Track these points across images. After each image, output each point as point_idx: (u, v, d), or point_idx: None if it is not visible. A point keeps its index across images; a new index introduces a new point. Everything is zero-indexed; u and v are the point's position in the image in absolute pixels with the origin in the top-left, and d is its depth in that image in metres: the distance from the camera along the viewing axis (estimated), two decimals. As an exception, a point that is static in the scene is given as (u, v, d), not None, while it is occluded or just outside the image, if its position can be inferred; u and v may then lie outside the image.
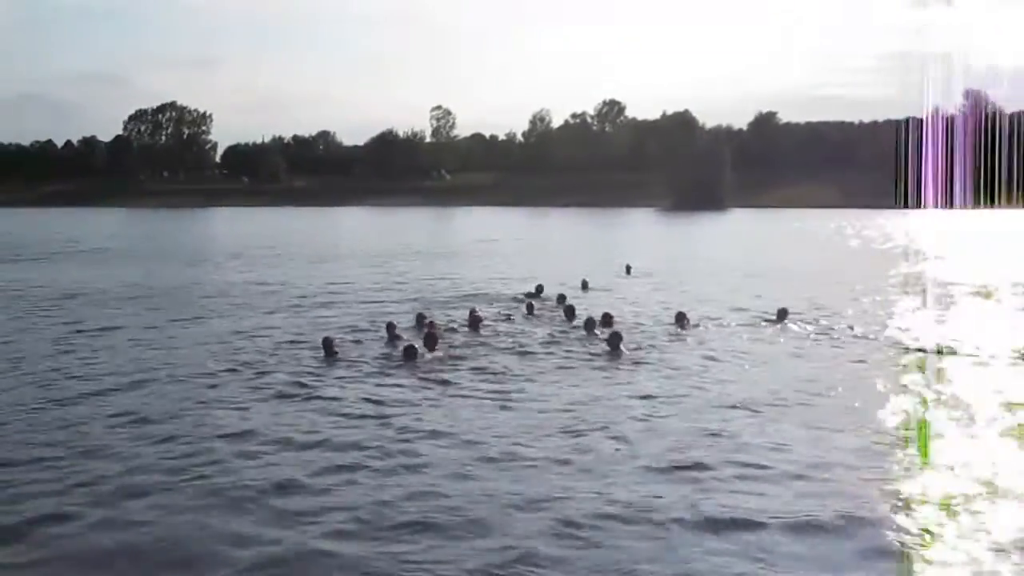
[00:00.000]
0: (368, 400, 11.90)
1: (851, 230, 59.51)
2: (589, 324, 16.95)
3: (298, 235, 59.07)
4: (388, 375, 13.52)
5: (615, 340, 15.21)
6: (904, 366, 14.20)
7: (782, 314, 18.91)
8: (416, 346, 14.62)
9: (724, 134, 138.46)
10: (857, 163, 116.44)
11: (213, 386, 12.80)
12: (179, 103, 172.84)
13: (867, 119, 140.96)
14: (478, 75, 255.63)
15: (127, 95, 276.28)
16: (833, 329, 17.82)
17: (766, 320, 18.87)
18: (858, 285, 25.34)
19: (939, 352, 15.06)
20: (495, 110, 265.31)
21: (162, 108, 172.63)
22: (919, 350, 15.41)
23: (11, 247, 44.46)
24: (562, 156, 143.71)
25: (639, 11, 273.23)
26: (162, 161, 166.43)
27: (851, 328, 17.85)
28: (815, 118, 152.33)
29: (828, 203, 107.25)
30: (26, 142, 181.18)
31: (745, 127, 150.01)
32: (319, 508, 8.05)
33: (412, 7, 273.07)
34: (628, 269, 29.66)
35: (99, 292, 25.01)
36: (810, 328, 17.94)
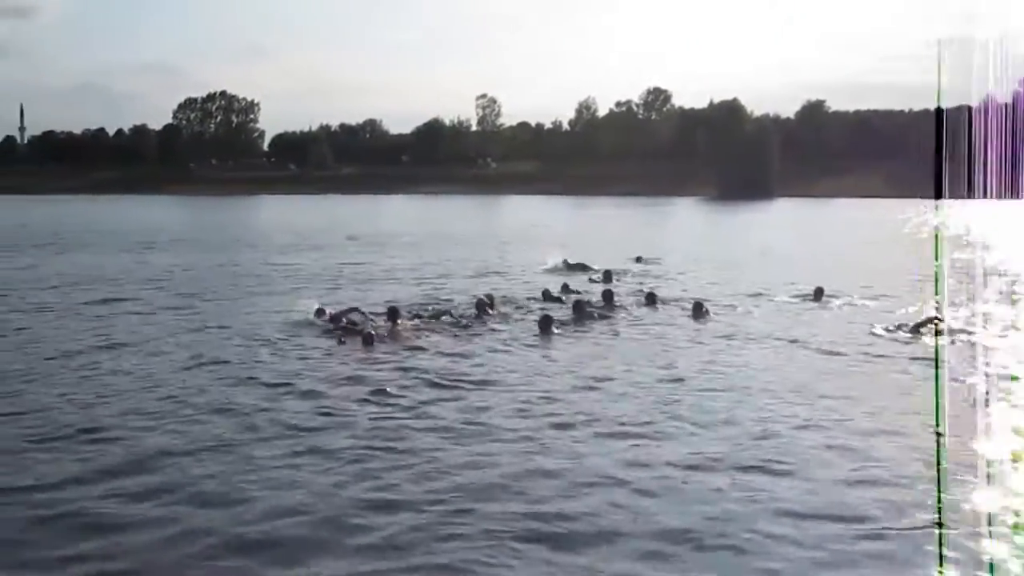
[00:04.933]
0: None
1: (904, 218, 59.19)
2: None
3: (367, 221, 60.03)
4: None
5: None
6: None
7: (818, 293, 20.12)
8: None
9: (771, 123, 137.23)
10: (907, 152, 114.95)
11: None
12: (228, 92, 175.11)
13: (917, 107, 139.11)
14: (524, 63, 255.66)
15: (178, 84, 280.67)
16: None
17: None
18: (913, 273, 25.34)
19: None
20: (541, 98, 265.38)
21: (211, 97, 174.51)
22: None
23: (116, 234, 45.57)
24: (608, 145, 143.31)
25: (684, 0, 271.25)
26: (211, 149, 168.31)
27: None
28: (864, 106, 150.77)
29: (878, 193, 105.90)
30: (79, 131, 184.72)
31: (793, 115, 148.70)
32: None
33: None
34: (639, 259, 29.52)
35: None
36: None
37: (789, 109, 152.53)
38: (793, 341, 15.10)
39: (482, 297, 18.43)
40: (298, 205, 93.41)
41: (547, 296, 19.94)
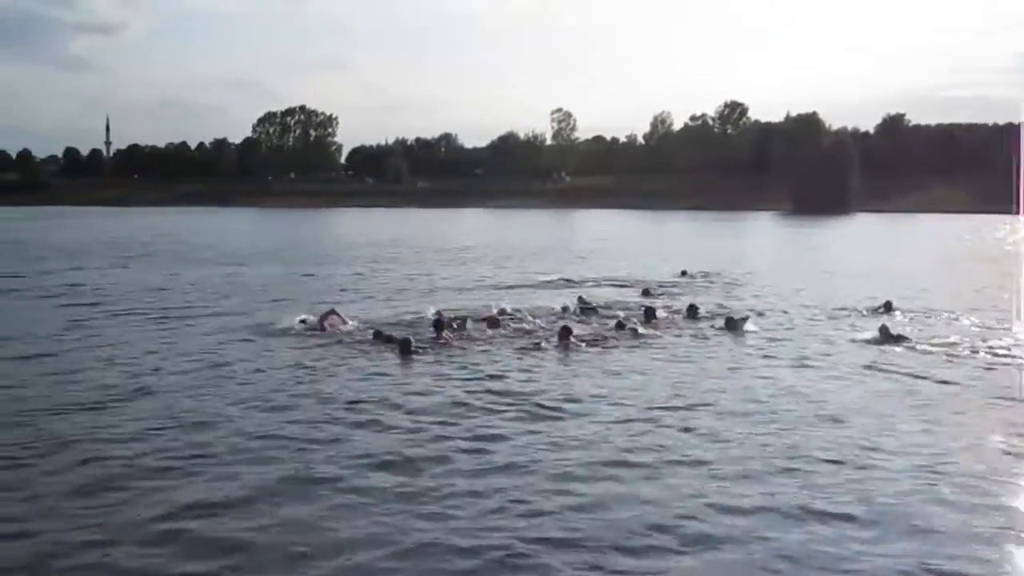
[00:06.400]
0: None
1: (987, 233, 57.73)
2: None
3: (440, 233, 60.76)
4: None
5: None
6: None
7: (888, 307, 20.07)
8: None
9: (850, 136, 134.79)
10: (992, 166, 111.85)
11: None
12: (307, 106, 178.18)
13: (1002, 120, 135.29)
14: (600, 77, 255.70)
15: (258, 98, 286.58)
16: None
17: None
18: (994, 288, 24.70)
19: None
20: (615, 112, 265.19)
21: (290, 111, 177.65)
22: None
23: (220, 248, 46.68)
24: (683, 158, 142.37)
25: (762, 11, 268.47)
26: (289, 162, 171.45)
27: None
28: (946, 119, 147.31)
29: (961, 208, 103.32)
30: (162, 144, 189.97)
31: (872, 129, 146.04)
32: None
33: (535, 9, 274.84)
34: (684, 272, 29.20)
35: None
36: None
37: (869, 123, 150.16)
38: (868, 367, 14.34)
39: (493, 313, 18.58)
40: (379, 218, 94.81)
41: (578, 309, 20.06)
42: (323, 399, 11.92)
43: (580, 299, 21.19)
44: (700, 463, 9.24)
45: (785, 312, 20.68)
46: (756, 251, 47.67)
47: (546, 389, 12.52)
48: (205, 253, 40.96)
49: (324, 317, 17.27)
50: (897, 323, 18.29)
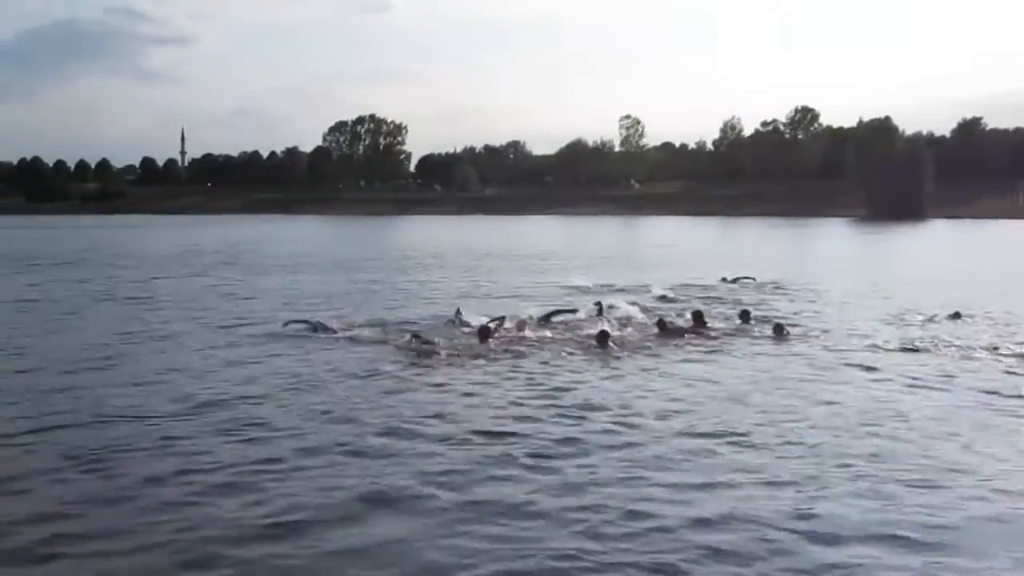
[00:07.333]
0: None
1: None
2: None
3: (511, 240, 60.97)
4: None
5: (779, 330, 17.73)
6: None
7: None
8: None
9: (925, 141, 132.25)
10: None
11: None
12: (376, 115, 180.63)
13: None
14: (668, 83, 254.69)
15: (328, 108, 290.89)
16: None
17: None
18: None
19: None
20: (684, 119, 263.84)
21: (360, 119, 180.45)
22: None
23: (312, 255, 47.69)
24: (753, 165, 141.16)
25: (833, 15, 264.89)
26: (359, 170, 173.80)
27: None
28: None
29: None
30: (235, 153, 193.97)
31: (948, 134, 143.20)
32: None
33: (602, 16, 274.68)
34: (725, 279, 28.61)
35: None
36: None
37: (944, 127, 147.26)
38: (948, 376, 13.75)
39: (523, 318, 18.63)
40: (450, 225, 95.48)
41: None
42: (390, 410, 11.65)
43: (599, 303, 20.63)
44: (776, 482, 8.83)
45: (851, 318, 20.29)
46: (830, 257, 47.25)
47: (605, 398, 12.30)
48: (284, 260, 41.86)
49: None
50: (970, 331, 17.93)
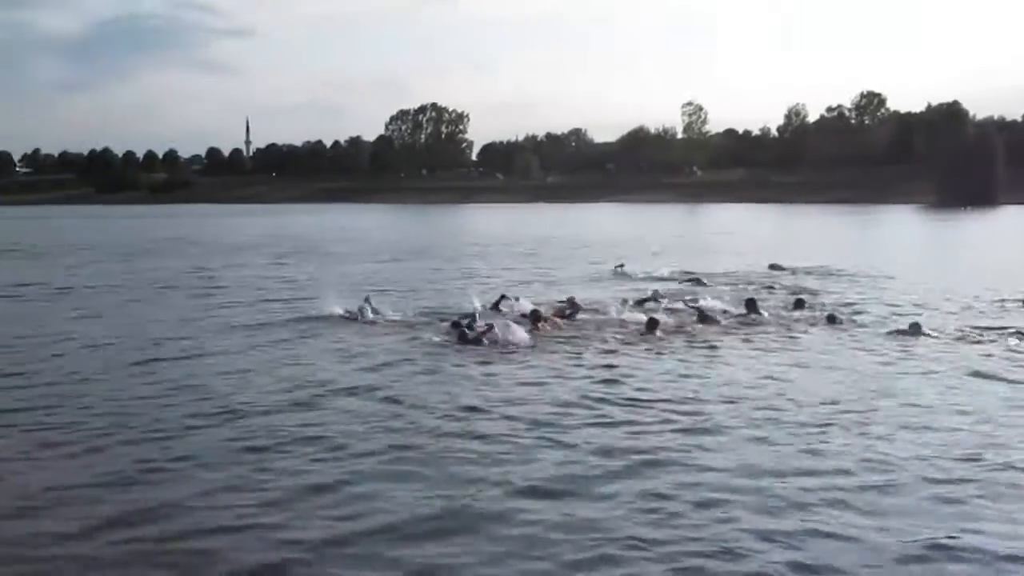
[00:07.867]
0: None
1: None
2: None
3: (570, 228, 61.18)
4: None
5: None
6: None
7: None
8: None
9: (996, 126, 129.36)
10: None
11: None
12: (438, 104, 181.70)
13: None
14: (731, 70, 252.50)
15: (390, 97, 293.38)
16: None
17: None
18: None
19: None
20: (748, 105, 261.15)
21: (422, 108, 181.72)
22: None
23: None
24: (819, 151, 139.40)
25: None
26: (421, 159, 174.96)
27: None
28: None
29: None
30: (299, 143, 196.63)
31: (1020, 118, 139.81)
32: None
33: (664, 4, 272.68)
34: (773, 266, 28.48)
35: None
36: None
37: (1016, 111, 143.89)
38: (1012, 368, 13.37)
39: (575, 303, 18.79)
40: (513, 213, 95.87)
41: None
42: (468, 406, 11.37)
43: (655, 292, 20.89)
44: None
45: (917, 306, 19.87)
46: (899, 244, 46.64)
47: (668, 389, 12.14)
48: (357, 247, 42.89)
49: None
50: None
